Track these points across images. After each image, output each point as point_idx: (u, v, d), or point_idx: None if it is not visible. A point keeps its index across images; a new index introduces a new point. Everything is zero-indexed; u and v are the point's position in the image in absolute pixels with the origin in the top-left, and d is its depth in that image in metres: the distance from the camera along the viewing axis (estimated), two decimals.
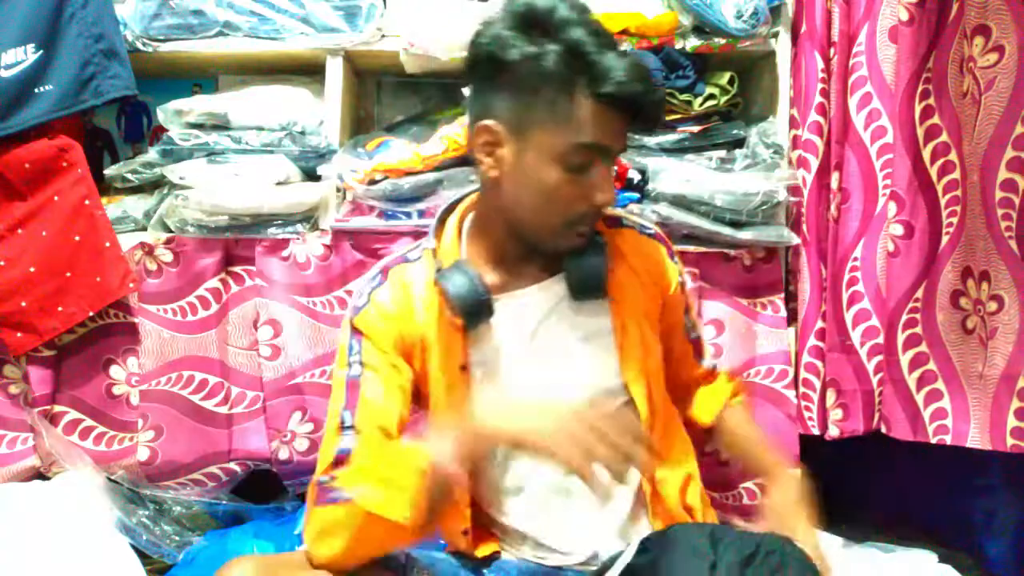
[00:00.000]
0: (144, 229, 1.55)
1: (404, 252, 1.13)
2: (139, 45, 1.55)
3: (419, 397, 1.09)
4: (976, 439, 1.33)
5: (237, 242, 1.53)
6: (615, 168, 1.05)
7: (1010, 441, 1.28)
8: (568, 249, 1.05)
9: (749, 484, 1.49)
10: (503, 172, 1.00)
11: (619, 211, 1.22)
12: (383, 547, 0.97)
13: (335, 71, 1.56)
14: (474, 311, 1.02)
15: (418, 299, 1.07)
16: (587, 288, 1.06)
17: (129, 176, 1.58)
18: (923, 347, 1.38)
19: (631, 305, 1.10)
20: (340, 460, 0.99)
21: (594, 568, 1.03)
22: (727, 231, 1.47)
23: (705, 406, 1.25)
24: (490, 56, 0.97)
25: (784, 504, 1.07)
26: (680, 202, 1.45)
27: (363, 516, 0.91)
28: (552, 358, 1.07)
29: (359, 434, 1.01)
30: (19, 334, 1.47)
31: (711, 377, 1.27)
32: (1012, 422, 1.28)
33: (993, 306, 1.30)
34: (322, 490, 0.96)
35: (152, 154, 1.55)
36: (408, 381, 1.06)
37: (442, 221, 1.13)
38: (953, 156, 1.35)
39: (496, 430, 0.92)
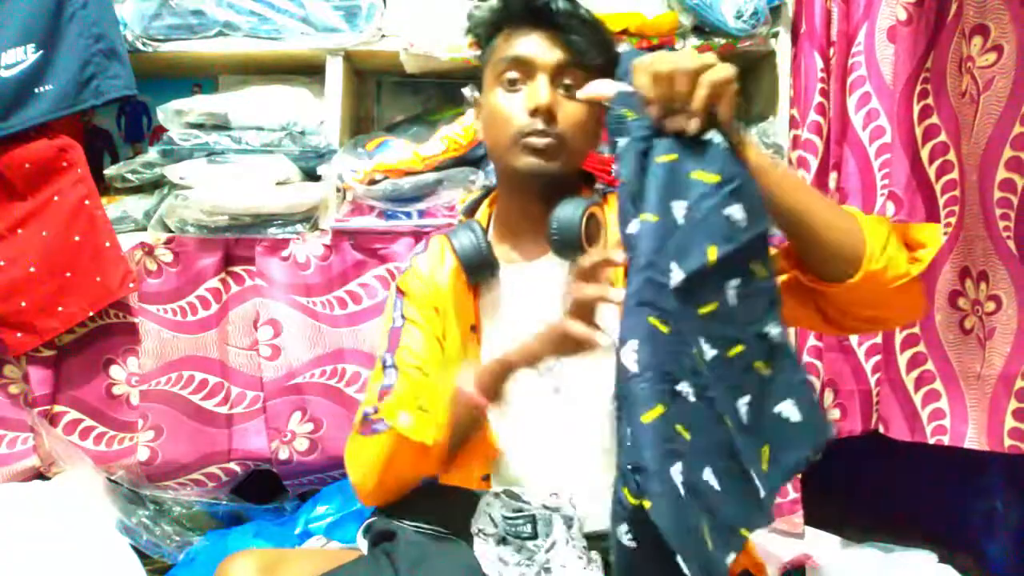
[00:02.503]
0: (144, 229, 1.56)
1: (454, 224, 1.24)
2: (139, 45, 1.55)
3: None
4: (974, 440, 1.33)
5: (237, 242, 1.54)
6: (568, 82, 1.05)
7: (1008, 442, 1.28)
8: (529, 167, 1.05)
9: None
10: (481, 123, 1.11)
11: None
12: (410, 475, 1.03)
13: (335, 71, 1.57)
14: (476, 264, 1.08)
15: (446, 264, 1.14)
16: (562, 243, 1.03)
17: (129, 176, 1.59)
18: (921, 347, 1.38)
19: None
20: (383, 394, 1.07)
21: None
22: None
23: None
24: (468, 33, 1.13)
25: None
26: None
27: (395, 442, 0.98)
28: None
29: (399, 371, 1.08)
30: (19, 334, 1.48)
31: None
32: (1010, 423, 1.28)
33: (991, 306, 1.30)
34: (365, 421, 1.05)
35: (152, 154, 1.55)
36: (440, 336, 1.13)
37: (478, 203, 1.21)
38: (952, 156, 1.35)
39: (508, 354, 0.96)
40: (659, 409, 0.75)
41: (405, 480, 1.04)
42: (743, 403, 0.80)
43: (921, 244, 0.94)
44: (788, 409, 0.82)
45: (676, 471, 0.75)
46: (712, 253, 0.78)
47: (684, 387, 0.77)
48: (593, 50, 1.05)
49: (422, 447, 0.96)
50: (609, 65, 1.04)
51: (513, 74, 1.04)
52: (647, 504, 0.73)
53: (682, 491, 0.74)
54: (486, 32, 1.09)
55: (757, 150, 0.90)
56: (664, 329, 0.77)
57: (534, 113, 1.03)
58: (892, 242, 0.91)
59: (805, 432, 0.82)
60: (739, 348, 0.80)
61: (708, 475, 0.78)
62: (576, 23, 1.05)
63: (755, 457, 0.80)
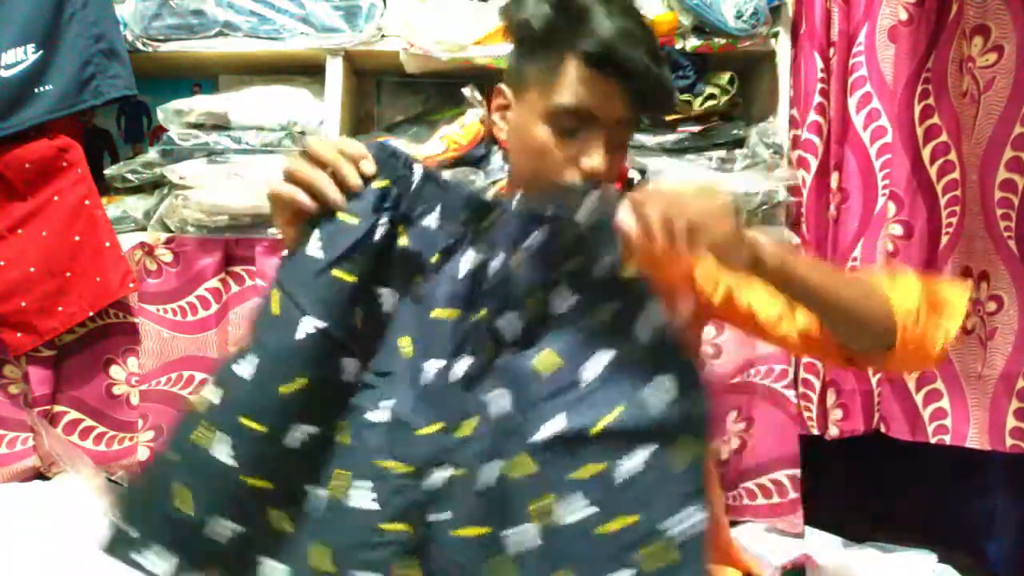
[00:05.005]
0: (144, 229, 1.55)
1: None
2: (139, 45, 1.55)
3: None
4: (975, 439, 1.33)
5: (237, 242, 1.53)
6: (624, 138, 0.99)
7: (1009, 441, 1.29)
8: None
9: (750, 484, 1.49)
10: (509, 134, 1.01)
11: None
12: None
13: (335, 71, 1.56)
14: None
15: None
16: None
17: (129, 176, 1.58)
18: None
19: None
20: None
21: None
22: None
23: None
24: (505, 17, 0.99)
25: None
26: None
27: None
28: None
29: None
30: (19, 334, 1.47)
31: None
32: (1011, 422, 1.28)
33: (992, 306, 1.30)
34: None
35: (152, 154, 1.55)
36: None
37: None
38: (953, 156, 1.35)
39: None
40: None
41: None
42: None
43: (949, 303, 0.92)
44: None
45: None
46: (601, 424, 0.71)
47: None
48: (660, 108, 1.01)
49: None
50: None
51: (571, 123, 0.94)
52: None
53: None
54: (542, 44, 0.95)
55: (774, 251, 0.82)
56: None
57: (585, 172, 0.94)
58: (923, 311, 0.90)
59: None
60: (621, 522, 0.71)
61: None
62: (652, 80, 0.94)
63: None
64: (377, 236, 0.75)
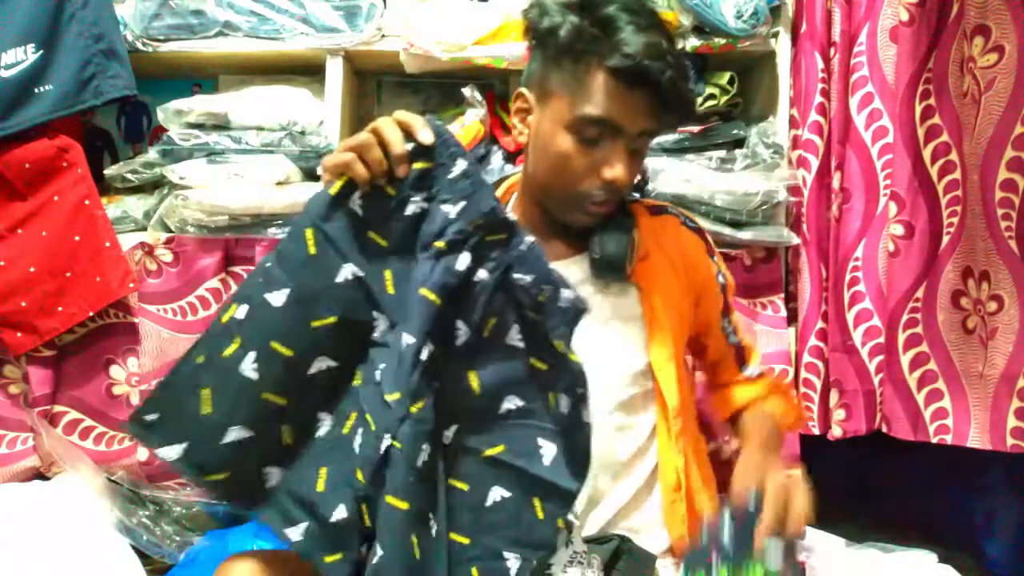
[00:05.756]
0: (144, 229, 1.55)
1: None
2: (139, 45, 1.55)
3: None
4: (976, 439, 1.33)
5: (237, 242, 1.53)
6: (641, 148, 1.03)
7: (1010, 441, 1.29)
8: (583, 223, 1.04)
9: None
10: (529, 139, 1.04)
11: (665, 202, 1.22)
12: None
13: (335, 71, 1.56)
14: None
15: None
16: (607, 267, 1.04)
17: (129, 176, 1.58)
18: (924, 347, 1.39)
19: (662, 292, 1.08)
20: None
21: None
22: (727, 231, 1.47)
23: (725, 402, 1.20)
24: (528, 23, 1.02)
25: (747, 463, 1.00)
26: (680, 202, 1.45)
27: None
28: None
29: None
30: (19, 334, 1.47)
31: (753, 382, 1.21)
32: (1012, 422, 1.28)
33: (993, 306, 1.30)
34: None
35: (152, 154, 1.55)
36: None
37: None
38: (954, 156, 1.35)
39: None
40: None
41: None
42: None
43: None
44: None
45: None
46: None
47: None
48: (680, 121, 1.07)
49: None
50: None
51: (595, 133, 0.97)
52: None
53: None
54: (568, 55, 0.97)
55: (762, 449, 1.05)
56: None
57: (606, 182, 0.99)
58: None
59: None
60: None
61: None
62: (676, 96, 0.97)
63: None
64: (408, 211, 0.82)
